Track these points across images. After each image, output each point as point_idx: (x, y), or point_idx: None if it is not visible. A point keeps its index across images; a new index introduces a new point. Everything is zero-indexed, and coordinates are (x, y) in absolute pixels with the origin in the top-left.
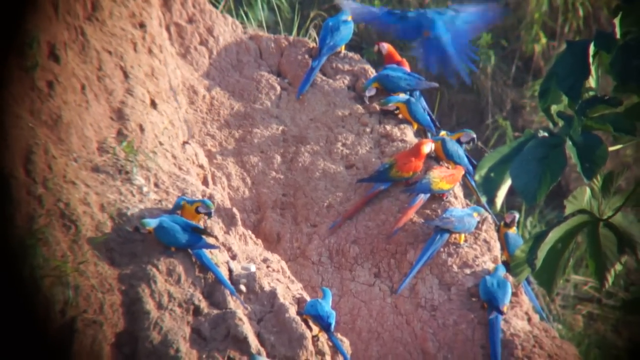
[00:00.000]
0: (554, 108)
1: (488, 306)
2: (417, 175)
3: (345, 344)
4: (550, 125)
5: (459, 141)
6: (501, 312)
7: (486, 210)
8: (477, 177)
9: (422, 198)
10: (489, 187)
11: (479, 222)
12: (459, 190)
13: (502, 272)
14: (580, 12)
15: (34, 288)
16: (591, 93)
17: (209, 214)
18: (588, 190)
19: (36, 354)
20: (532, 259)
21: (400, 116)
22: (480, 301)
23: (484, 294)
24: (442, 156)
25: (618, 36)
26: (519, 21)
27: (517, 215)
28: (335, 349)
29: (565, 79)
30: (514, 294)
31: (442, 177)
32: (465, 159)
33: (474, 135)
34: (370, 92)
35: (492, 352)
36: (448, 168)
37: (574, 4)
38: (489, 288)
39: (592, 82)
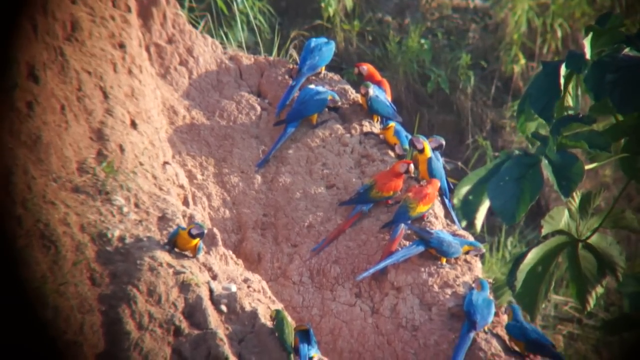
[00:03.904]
0: (529, 127)
1: (466, 318)
2: (398, 194)
3: None
4: (529, 145)
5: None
6: (474, 327)
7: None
8: (455, 201)
9: (403, 228)
10: (468, 210)
11: (470, 254)
12: (439, 210)
13: (488, 288)
14: (559, 34)
15: (14, 309)
16: (570, 112)
17: (201, 235)
18: (565, 210)
19: None
20: (511, 281)
21: (381, 137)
22: (461, 318)
23: (467, 305)
24: (425, 175)
25: (588, 56)
26: (498, 42)
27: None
28: None
29: (538, 99)
30: (495, 314)
31: (419, 200)
32: (445, 181)
33: (443, 142)
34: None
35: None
36: (422, 185)
37: (552, 25)
38: (474, 302)
39: (570, 101)
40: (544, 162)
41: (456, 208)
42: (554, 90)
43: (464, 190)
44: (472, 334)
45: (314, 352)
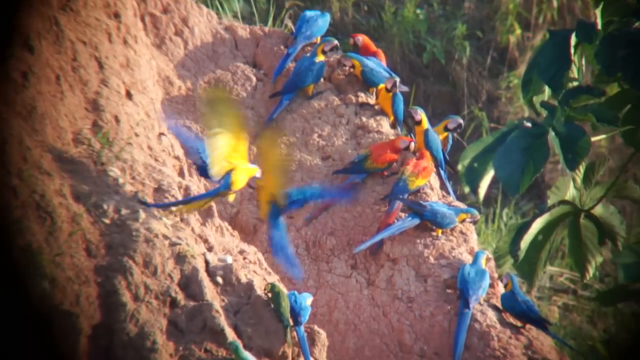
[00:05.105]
0: (535, 98)
1: (460, 296)
2: (392, 166)
3: (322, 336)
4: (526, 114)
5: (446, 128)
6: (467, 306)
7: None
8: (459, 167)
9: (400, 203)
10: (472, 177)
11: (466, 221)
12: (435, 181)
13: (482, 259)
14: (555, 3)
15: (10, 280)
16: (574, 83)
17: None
18: (571, 181)
19: (11, 346)
20: (514, 250)
21: (377, 107)
22: (456, 291)
23: (460, 283)
24: (422, 146)
25: (599, 27)
26: (494, 12)
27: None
28: (311, 340)
29: (547, 69)
30: (491, 285)
31: (417, 174)
32: (441, 153)
33: (461, 121)
34: (346, 62)
35: (454, 343)
36: (415, 154)
37: None
38: (465, 277)
39: (575, 71)
40: (551, 134)
41: (460, 174)
42: (564, 59)
43: (469, 157)
44: (468, 312)
45: (306, 307)
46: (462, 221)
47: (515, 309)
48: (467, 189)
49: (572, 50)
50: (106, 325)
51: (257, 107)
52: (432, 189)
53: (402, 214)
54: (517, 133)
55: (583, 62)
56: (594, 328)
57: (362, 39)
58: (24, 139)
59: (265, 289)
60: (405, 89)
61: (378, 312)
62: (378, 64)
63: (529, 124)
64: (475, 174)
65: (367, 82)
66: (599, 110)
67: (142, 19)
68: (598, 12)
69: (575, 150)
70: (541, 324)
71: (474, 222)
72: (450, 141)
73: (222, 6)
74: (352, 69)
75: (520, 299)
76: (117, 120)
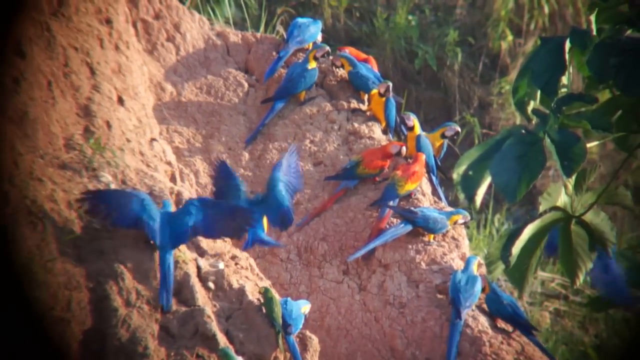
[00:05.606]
0: (530, 104)
1: (452, 305)
2: (384, 172)
3: (314, 342)
4: (518, 120)
5: (443, 135)
6: (459, 316)
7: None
8: (455, 176)
9: (390, 210)
10: (468, 185)
11: (458, 222)
12: (426, 187)
13: (473, 264)
14: (546, 10)
15: (1, 286)
16: (564, 90)
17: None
18: (562, 187)
19: (2, 352)
20: (506, 256)
21: (369, 113)
22: (448, 297)
23: (451, 291)
24: (413, 152)
25: (594, 33)
26: (486, 18)
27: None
28: (303, 345)
29: (541, 75)
30: (483, 290)
31: (407, 178)
32: (433, 159)
33: (458, 129)
34: (336, 61)
35: (447, 354)
36: (408, 161)
37: (540, 2)
38: (457, 285)
39: (563, 78)
40: (547, 141)
41: (456, 182)
42: (558, 66)
43: (464, 165)
44: (460, 321)
45: (299, 316)
46: (455, 223)
47: (502, 312)
48: (462, 197)
49: (568, 57)
50: (97, 331)
51: (249, 113)
52: (423, 194)
53: (394, 220)
54: (512, 140)
55: (570, 69)
56: (585, 333)
57: (348, 51)
58: (15, 145)
59: (259, 291)
60: (399, 99)
61: (370, 318)
62: (369, 71)
63: (523, 131)
64: (471, 182)
65: (352, 83)
66: (592, 117)
67: (134, 25)
68: (593, 18)
69: (570, 156)
70: (527, 328)
71: (466, 224)
72: (444, 148)
73: (214, 12)
74: (342, 69)
75: (505, 301)
76: (108, 125)
